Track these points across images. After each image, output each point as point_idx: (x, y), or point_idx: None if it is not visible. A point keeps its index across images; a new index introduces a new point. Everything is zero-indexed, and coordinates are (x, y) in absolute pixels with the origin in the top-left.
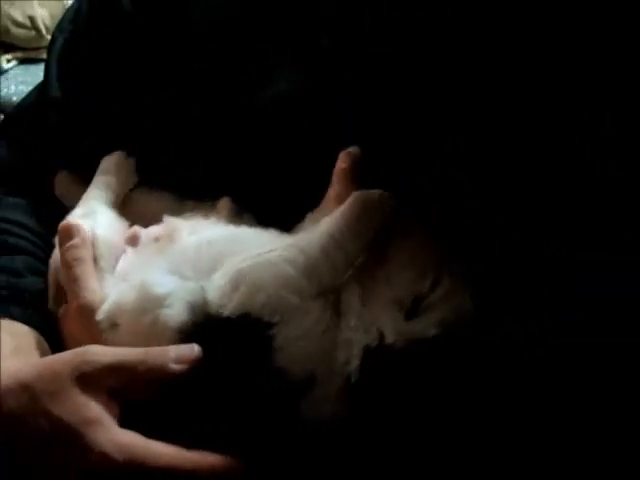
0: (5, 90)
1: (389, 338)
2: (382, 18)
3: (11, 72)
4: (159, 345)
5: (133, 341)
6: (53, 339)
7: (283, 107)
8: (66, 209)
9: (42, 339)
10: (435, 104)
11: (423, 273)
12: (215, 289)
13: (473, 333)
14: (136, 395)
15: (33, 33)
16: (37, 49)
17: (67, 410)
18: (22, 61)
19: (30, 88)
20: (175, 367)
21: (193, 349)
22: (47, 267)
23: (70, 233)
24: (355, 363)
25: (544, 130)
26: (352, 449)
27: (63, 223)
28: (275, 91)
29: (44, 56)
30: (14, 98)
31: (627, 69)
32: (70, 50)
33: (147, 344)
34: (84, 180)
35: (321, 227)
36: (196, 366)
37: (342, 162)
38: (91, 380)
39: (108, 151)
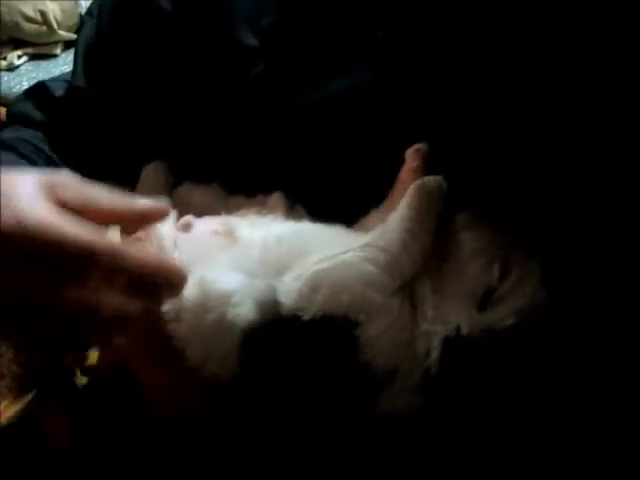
0: (17, 87)
1: (464, 330)
2: (383, 19)
3: (22, 68)
4: (225, 344)
5: (196, 337)
6: None
7: (339, 103)
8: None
9: None
10: (436, 104)
11: (490, 263)
12: (290, 292)
13: (548, 323)
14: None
15: (44, 28)
16: (48, 44)
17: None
18: (33, 57)
19: None
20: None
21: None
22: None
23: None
24: (435, 355)
25: (545, 130)
26: (429, 440)
27: None
28: (333, 87)
29: (55, 52)
30: None
31: (627, 69)
32: (96, 40)
33: (213, 342)
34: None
35: (393, 223)
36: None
37: (413, 161)
38: (52, 183)
39: (134, 148)
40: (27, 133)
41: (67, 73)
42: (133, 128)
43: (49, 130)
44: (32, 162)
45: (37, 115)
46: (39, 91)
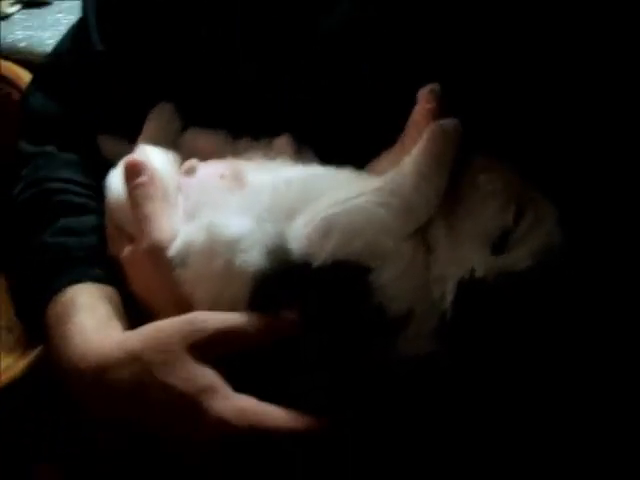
0: (11, 36)
1: (479, 273)
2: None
3: (16, 17)
4: (234, 291)
5: (204, 283)
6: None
7: (348, 34)
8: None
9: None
10: (446, 40)
11: (505, 204)
12: (300, 238)
13: (565, 265)
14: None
15: None
16: None
17: (181, 380)
18: (26, 5)
19: (37, 32)
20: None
21: None
22: None
23: (137, 170)
24: (450, 298)
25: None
26: (446, 388)
27: (129, 159)
28: (340, 17)
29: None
30: (22, 44)
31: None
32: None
33: (221, 288)
34: (128, 140)
35: (407, 166)
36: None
37: (427, 102)
38: (203, 348)
39: (153, 102)
40: (66, 166)
41: (62, 45)
42: (143, 76)
43: (66, 120)
44: (86, 211)
45: (52, 108)
46: (46, 77)
